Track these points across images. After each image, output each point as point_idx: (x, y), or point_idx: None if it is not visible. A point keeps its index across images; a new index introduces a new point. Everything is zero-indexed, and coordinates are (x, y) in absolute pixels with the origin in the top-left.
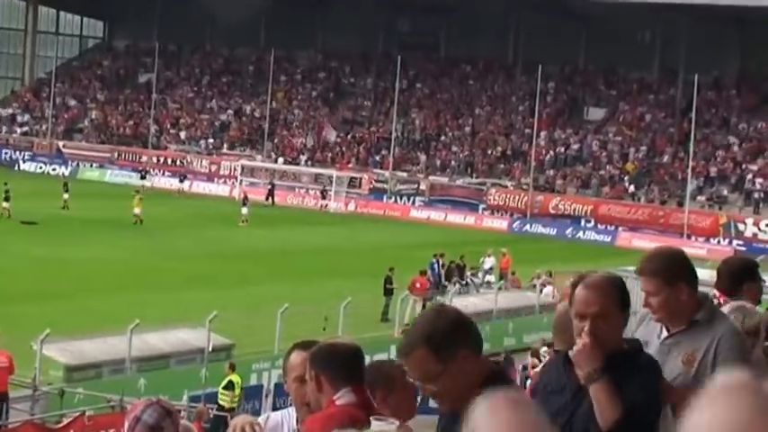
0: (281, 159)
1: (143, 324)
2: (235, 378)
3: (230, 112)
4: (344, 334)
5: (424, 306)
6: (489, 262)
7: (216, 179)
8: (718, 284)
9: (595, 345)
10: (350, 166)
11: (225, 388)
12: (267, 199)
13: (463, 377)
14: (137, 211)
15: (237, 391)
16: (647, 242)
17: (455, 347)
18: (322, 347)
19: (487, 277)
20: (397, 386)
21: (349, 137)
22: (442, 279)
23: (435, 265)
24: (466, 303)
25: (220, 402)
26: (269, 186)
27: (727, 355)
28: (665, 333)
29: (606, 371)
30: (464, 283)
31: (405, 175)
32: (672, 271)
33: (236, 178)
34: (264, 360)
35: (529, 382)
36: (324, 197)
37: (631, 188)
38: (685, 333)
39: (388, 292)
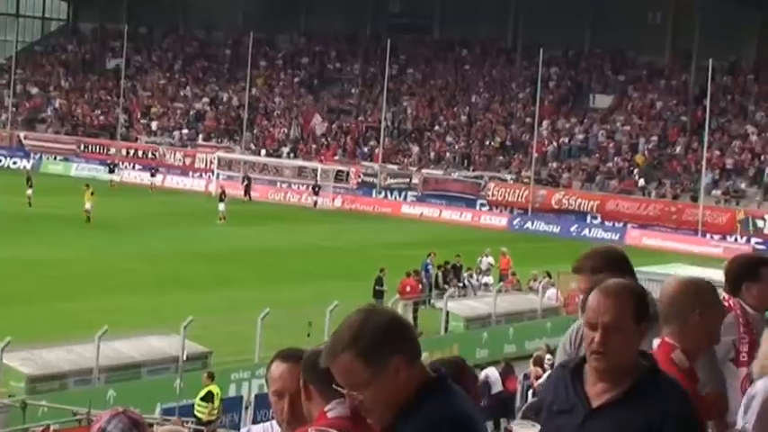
0: (263, 152)
1: (112, 330)
2: (214, 389)
3: (206, 100)
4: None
5: (415, 311)
6: (487, 262)
7: (191, 173)
8: (725, 286)
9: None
10: (336, 158)
11: (203, 399)
12: (245, 194)
13: (395, 387)
14: (87, 206)
15: (217, 402)
16: (658, 240)
17: (386, 354)
18: (313, 354)
19: (485, 279)
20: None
21: (335, 127)
22: (439, 281)
23: (429, 266)
24: (462, 307)
25: (197, 415)
26: (245, 181)
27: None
28: None
29: (628, 398)
30: (461, 285)
31: (395, 168)
32: (611, 269)
33: (213, 172)
34: (244, 369)
35: (531, 392)
36: (316, 193)
37: (641, 182)
38: None
39: (379, 295)
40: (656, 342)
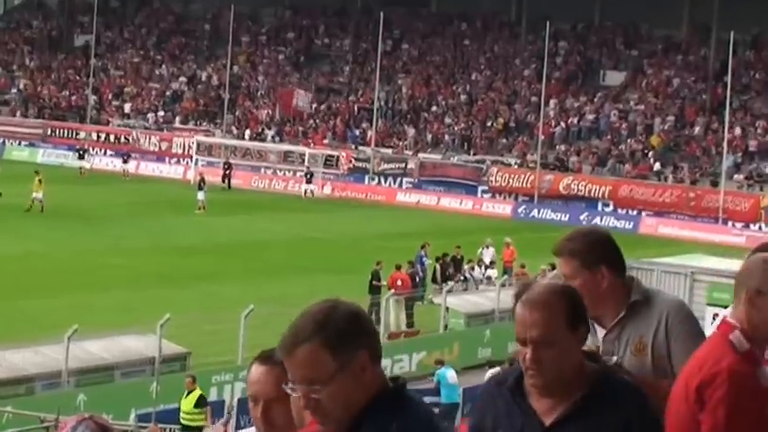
0: (246, 134)
1: (82, 330)
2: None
3: (183, 79)
4: None
5: (410, 307)
6: (489, 254)
7: (167, 159)
8: None
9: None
10: (325, 142)
11: (197, 405)
12: (223, 181)
13: (357, 387)
14: (37, 194)
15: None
16: (675, 229)
17: (355, 345)
18: None
19: (488, 272)
20: None
21: (324, 108)
22: (437, 274)
23: (423, 258)
24: (463, 302)
25: (191, 425)
26: (225, 167)
27: (680, 331)
28: (601, 330)
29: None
30: (462, 278)
31: (390, 152)
32: (593, 253)
33: (191, 158)
34: (226, 372)
35: None
36: (308, 180)
37: (657, 166)
38: (624, 321)
39: (375, 290)
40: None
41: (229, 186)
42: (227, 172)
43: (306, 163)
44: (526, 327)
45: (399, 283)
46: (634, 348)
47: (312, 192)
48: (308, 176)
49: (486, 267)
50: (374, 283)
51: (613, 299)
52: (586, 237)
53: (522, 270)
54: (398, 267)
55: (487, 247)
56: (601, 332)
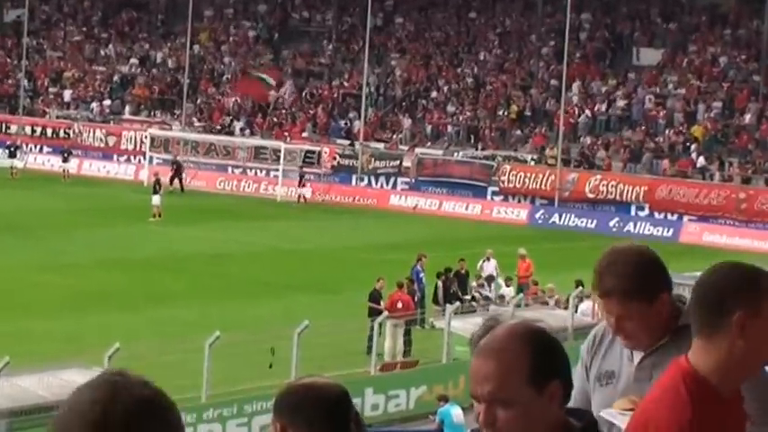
0: (228, 128)
1: (15, 363)
2: None
3: (134, 61)
4: (299, 372)
5: (407, 333)
6: (490, 267)
7: (115, 156)
8: None
9: None
10: (304, 135)
11: None
12: (171, 183)
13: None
14: None
15: None
16: (723, 237)
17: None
18: (292, 390)
19: (503, 290)
20: None
21: (304, 95)
22: (439, 293)
23: (420, 274)
24: (470, 326)
25: None
26: (173, 165)
27: None
28: (637, 353)
29: None
30: (469, 298)
31: (381, 147)
32: (649, 283)
33: (144, 155)
34: (188, 411)
35: None
36: (302, 183)
37: (701, 161)
38: (669, 346)
39: (376, 315)
40: None
41: (182, 189)
42: (177, 170)
43: (282, 160)
44: (478, 380)
45: (400, 305)
46: None
47: (305, 197)
48: (301, 178)
49: (488, 283)
50: (373, 306)
51: (665, 322)
52: (633, 265)
53: (536, 288)
54: (400, 286)
55: (488, 260)
56: (637, 356)
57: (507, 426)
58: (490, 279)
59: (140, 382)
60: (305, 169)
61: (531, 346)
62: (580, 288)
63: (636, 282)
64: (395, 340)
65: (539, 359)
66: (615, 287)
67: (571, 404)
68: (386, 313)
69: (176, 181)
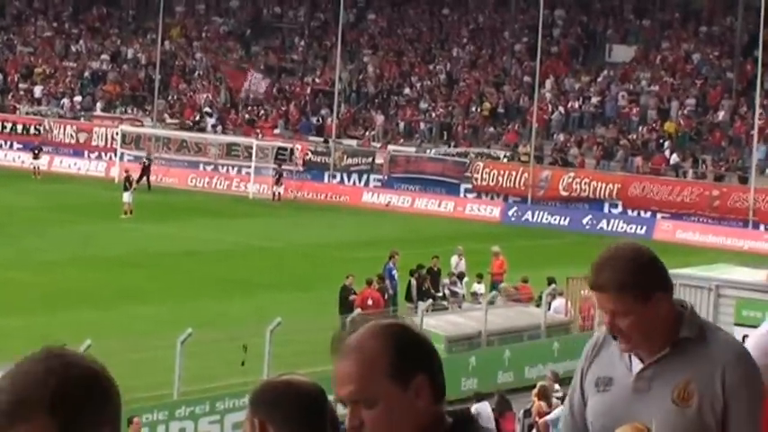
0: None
1: None
2: None
3: (105, 57)
4: (272, 369)
5: None
6: (459, 264)
7: (86, 153)
8: None
9: None
10: (276, 132)
11: None
12: (139, 180)
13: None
14: None
15: None
16: (697, 234)
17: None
18: (271, 386)
19: (475, 286)
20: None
21: (275, 91)
22: (412, 290)
23: (393, 271)
24: (443, 324)
25: None
26: (144, 162)
27: (743, 392)
28: (637, 363)
29: None
30: (440, 295)
31: (354, 143)
32: (644, 279)
33: (116, 151)
34: (159, 409)
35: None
36: (279, 182)
37: (674, 158)
38: (670, 358)
39: (348, 308)
40: None
41: (149, 186)
42: (146, 167)
43: (253, 157)
44: (340, 382)
45: (370, 302)
46: (677, 396)
47: (280, 195)
48: (278, 176)
49: (460, 280)
50: (350, 298)
51: (665, 329)
52: (631, 261)
53: (524, 286)
54: (369, 283)
55: (460, 257)
56: (636, 366)
57: (374, 426)
58: (461, 276)
59: (85, 356)
60: (282, 167)
61: (391, 341)
62: (553, 285)
63: (630, 276)
64: None
65: (400, 354)
66: (609, 280)
67: (566, 414)
68: (358, 310)
69: (144, 178)
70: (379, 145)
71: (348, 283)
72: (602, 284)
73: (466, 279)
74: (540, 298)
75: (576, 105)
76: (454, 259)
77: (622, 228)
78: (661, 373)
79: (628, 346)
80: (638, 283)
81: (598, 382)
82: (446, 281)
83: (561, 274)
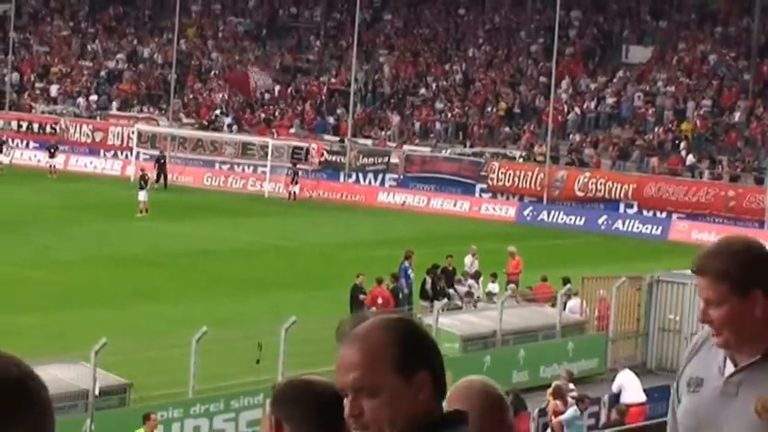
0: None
1: None
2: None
3: (121, 57)
4: (287, 367)
5: None
6: (474, 264)
7: (102, 152)
8: None
9: None
10: (292, 131)
11: None
12: (158, 180)
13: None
14: None
15: None
16: (712, 234)
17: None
18: (290, 385)
19: (490, 286)
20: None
21: (290, 91)
22: (427, 288)
23: (408, 270)
24: (458, 323)
25: None
26: (159, 161)
27: None
28: (730, 366)
29: None
30: (454, 293)
31: (370, 143)
32: (746, 272)
33: (132, 150)
34: (174, 406)
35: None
36: (294, 181)
37: (690, 159)
38: (761, 366)
39: (360, 306)
40: None
41: (165, 185)
42: (161, 165)
43: (269, 157)
44: (343, 369)
45: (380, 301)
46: (761, 406)
47: (295, 194)
48: (294, 175)
49: (476, 279)
50: (361, 297)
51: (756, 331)
52: (738, 252)
53: (545, 285)
54: (379, 282)
55: (473, 256)
56: (729, 369)
57: (374, 415)
58: (477, 275)
59: (13, 363)
60: (298, 166)
61: (399, 335)
62: (568, 285)
63: (731, 265)
64: None
65: (406, 348)
66: (709, 265)
67: (669, 416)
68: (371, 310)
69: (161, 177)
70: (394, 145)
71: (359, 282)
72: (702, 267)
73: (482, 279)
74: (556, 298)
75: (592, 106)
76: (468, 259)
77: (638, 228)
78: (749, 380)
79: (718, 339)
80: (737, 273)
81: (690, 382)
82: (462, 279)
83: (576, 274)
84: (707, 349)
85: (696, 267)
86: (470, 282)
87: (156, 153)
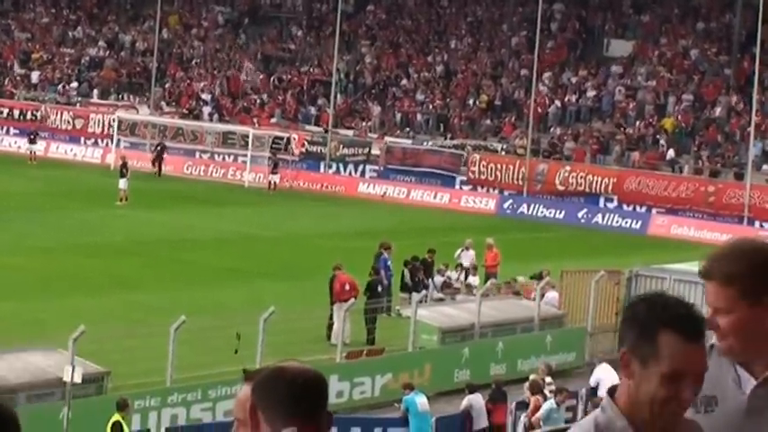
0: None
1: None
2: (118, 418)
3: (102, 44)
4: (265, 357)
5: (371, 321)
6: (468, 257)
7: (82, 139)
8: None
9: None
10: (273, 121)
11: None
12: (153, 165)
13: None
14: None
15: None
16: (692, 229)
17: None
18: (265, 371)
19: (470, 279)
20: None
21: (272, 81)
22: (406, 280)
23: (388, 261)
24: (437, 315)
25: None
26: (157, 148)
27: None
28: (748, 378)
29: None
30: (428, 286)
31: (350, 134)
32: (757, 275)
33: (112, 138)
34: (152, 395)
35: (525, 426)
36: (275, 171)
37: (670, 153)
38: None
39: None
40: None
41: (160, 172)
42: (159, 153)
43: (249, 146)
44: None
45: (347, 287)
46: None
47: (275, 184)
48: (273, 165)
49: (467, 273)
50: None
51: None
52: (748, 254)
53: (523, 281)
54: (338, 268)
55: (467, 249)
56: (747, 382)
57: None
58: (475, 268)
59: None
60: (279, 156)
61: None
62: (546, 278)
63: (741, 269)
64: (342, 324)
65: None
66: (717, 269)
67: None
68: (352, 300)
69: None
70: (375, 136)
71: (336, 273)
72: (710, 271)
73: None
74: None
75: (573, 99)
76: (464, 253)
77: (617, 222)
78: None
79: (723, 344)
80: (747, 276)
81: (698, 402)
82: (441, 271)
83: (555, 267)
84: (713, 363)
85: (703, 271)
86: (449, 273)
87: (138, 141)
